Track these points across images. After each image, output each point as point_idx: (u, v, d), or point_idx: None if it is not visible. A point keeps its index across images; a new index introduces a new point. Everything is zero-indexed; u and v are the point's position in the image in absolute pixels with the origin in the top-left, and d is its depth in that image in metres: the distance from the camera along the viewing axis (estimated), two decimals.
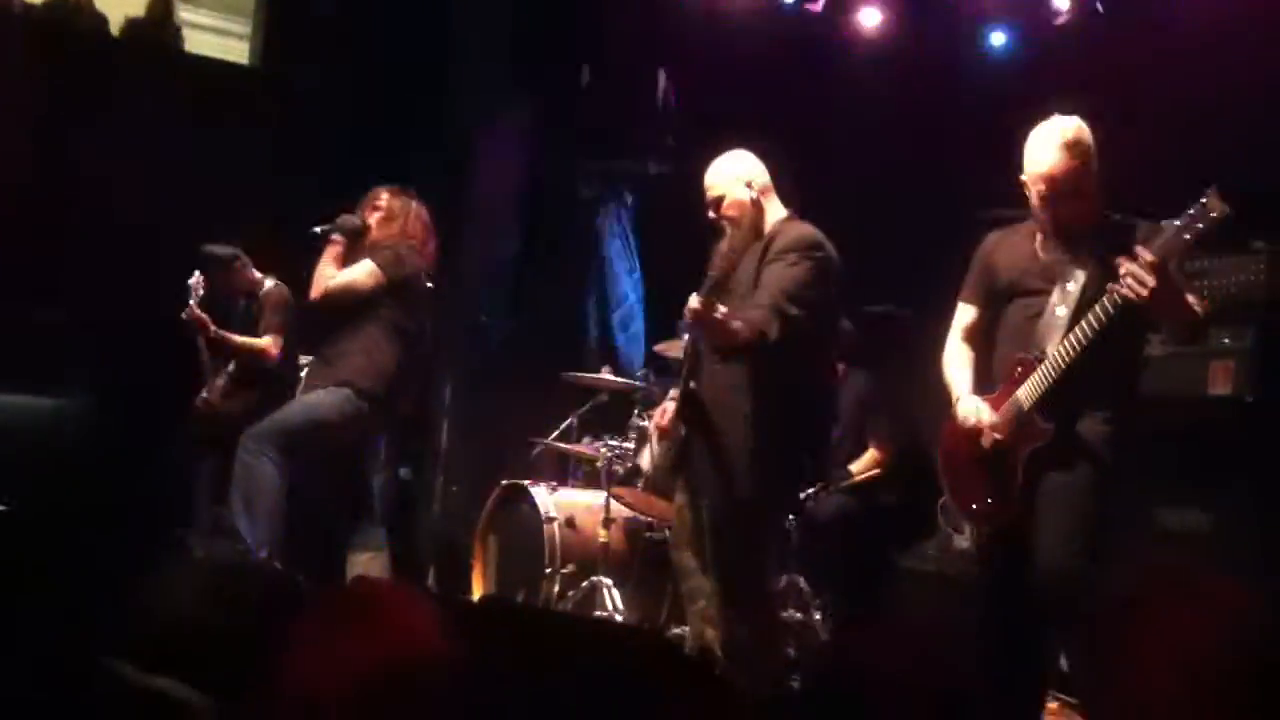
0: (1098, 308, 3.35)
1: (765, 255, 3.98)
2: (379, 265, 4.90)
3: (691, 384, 4.01)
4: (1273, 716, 1.41)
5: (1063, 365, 3.41)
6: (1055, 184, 3.47)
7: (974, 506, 3.67)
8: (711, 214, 4.12)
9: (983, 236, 3.84)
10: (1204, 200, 3.17)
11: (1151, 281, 3.20)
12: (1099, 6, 5.73)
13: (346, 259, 4.96)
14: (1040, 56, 5.93)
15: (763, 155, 4.21)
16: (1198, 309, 3.39)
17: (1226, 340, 4.63)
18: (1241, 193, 3.18)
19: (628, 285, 7.48)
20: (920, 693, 1.31)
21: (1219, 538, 4.52)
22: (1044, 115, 3.58)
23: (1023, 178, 3.56)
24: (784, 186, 4.24)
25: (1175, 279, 3.29)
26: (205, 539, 5.17)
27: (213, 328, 5.82)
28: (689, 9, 6.70)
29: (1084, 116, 3.56)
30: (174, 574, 1.95)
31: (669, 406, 4.22)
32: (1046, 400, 3.45)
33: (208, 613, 1.88)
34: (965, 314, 3.81)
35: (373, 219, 5.06)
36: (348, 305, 4.89)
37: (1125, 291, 3.24)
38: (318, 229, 4.98)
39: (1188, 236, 3.20)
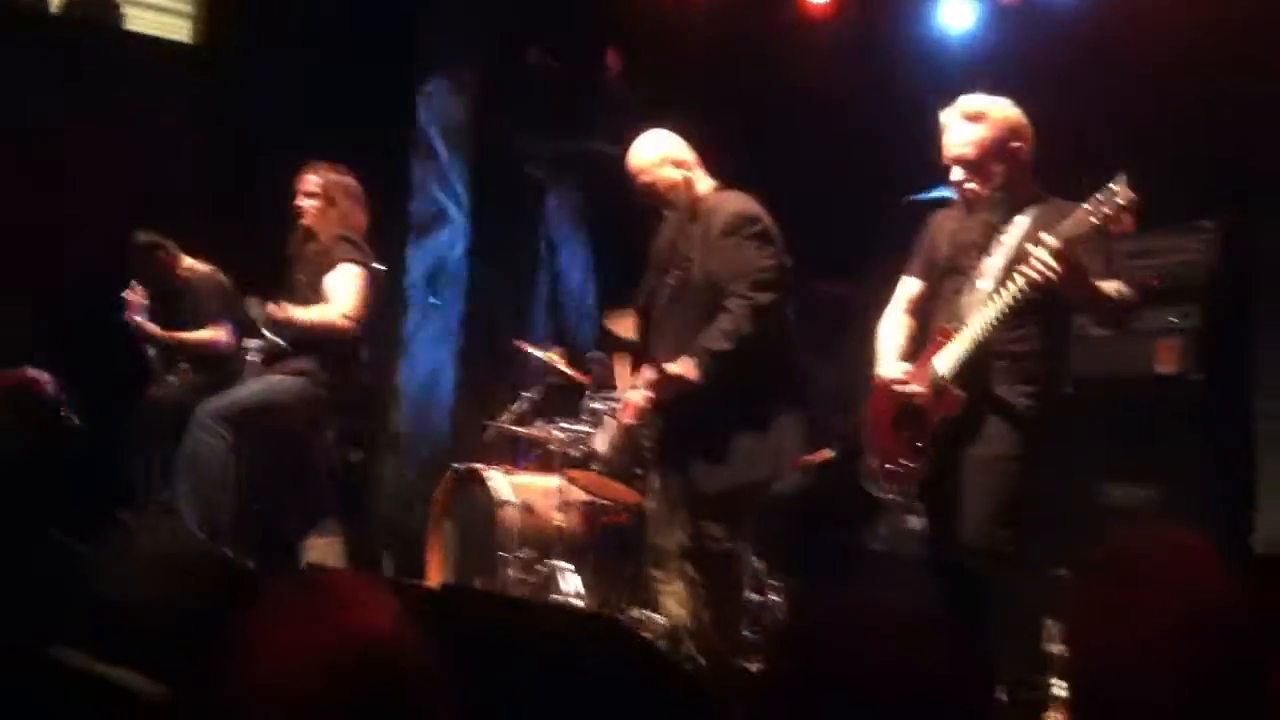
0: (1010, 285, 3.37)
1: (707, 239, 3.98)
2: (350, 306, 4.89)
3: (669, 368, 3.99)
4: (1240, 673, 1.43)
5: (978, 336, 3.44)
6: (959, 158, 3.53)
7: (886, 467, 3.68)
8: (644, 198, 4.13)
9: (922, 216, 3.88)
10: (1113, 186, 3.18)
11: (1057, 267, 3.22)
12: None
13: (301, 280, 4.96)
14: (992, 35, 5.91)
15: (710, 132, 4.22)
16: (1116, 295, 3.39)
17: (1173, 319, 4.67)
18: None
19: (575, 265, 7.43)
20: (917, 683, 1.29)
21: (1167, 514, 4.58)
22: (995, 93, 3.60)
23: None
24: (732, 163, 4.24)
25: (1083, 265, 3.29)
26: (149, 522, 5.10)
27: (162, 335, 5.66)
28: None
29: (1031, 95, 3.58)
30: (120, 559, 1.91)
31: (634, 398, 4.18)
32: (962, 369, 3.48)
33: (157, 599, 1.84)
34: (908, 286, 3.84)
35: (309, 205, 5.00)
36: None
37: (1033, 275, 3.27)
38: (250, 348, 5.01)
39: (1095, 221, 3.21)
